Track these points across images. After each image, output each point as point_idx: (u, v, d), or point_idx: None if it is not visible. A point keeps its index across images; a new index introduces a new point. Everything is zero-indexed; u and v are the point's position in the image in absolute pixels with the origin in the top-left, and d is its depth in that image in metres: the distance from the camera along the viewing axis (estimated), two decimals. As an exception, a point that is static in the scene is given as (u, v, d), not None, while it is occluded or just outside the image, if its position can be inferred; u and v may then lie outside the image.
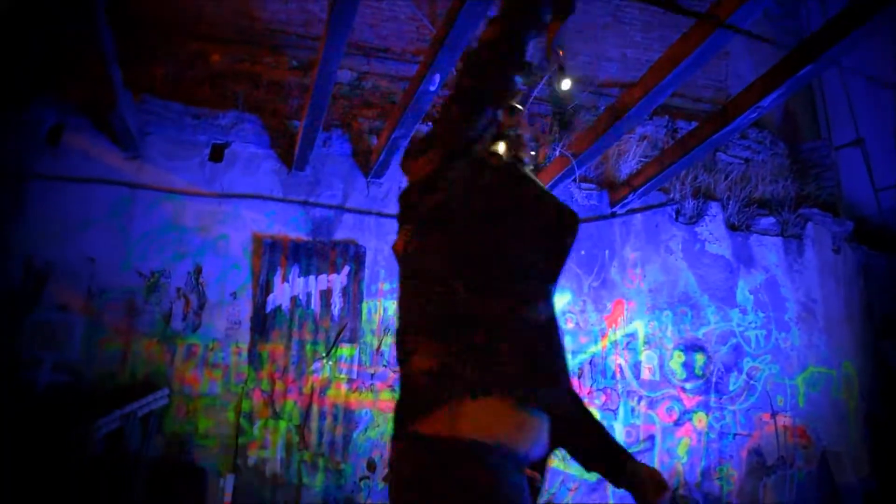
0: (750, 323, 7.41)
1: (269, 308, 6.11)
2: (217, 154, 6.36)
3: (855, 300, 8.21)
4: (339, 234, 6.44)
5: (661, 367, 7.06)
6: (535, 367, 1.75)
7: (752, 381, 7.27)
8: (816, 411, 7.49)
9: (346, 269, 6.36)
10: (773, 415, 7.03)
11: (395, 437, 1.75)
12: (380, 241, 6.52)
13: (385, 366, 6.30)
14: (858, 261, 8.46)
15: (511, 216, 1.91)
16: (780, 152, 8.42)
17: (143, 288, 5.90)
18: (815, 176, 8.42)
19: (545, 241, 1.94)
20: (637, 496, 1.95)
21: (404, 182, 6.34)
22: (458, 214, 1.89)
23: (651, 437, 6.89)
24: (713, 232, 7.54)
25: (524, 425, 1.72)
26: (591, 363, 6.88)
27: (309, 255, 6.29)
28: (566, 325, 6.88)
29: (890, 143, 8.44)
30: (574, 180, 6.79)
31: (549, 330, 1.84)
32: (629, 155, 7.31)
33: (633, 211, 7.34)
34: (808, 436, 7.35)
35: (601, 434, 2.03)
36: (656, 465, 6.80)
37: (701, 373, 7.12)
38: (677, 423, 6.97)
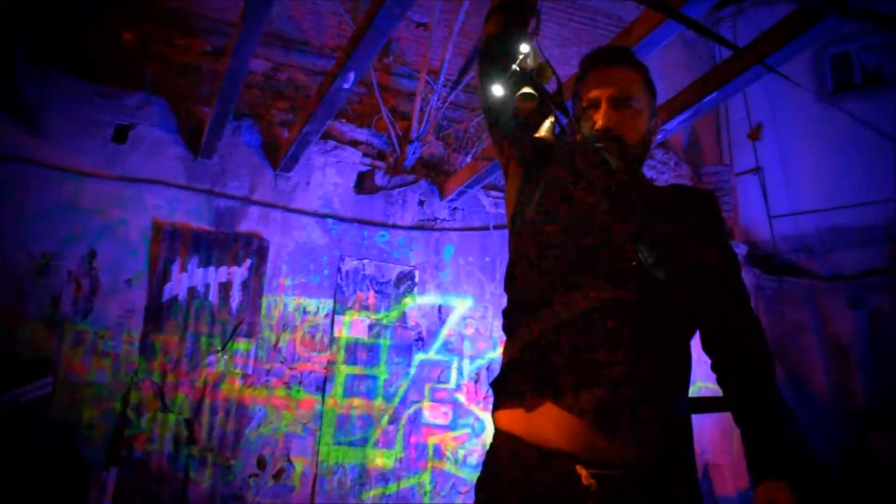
0: (644, 337, 7.62)
1: (165, 297, 5.95)
2: (121, 135, 6.14)
3: (744, 320, 8.54)
4: (243, 226, 6.33)
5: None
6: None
7: (642, 394, 7.46)
8: (702, 426, 7.77)
9: (248, 262, 6.25)
10: (661, 427, 7.24)
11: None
12: (284, 236, 6.43)
13: (282, 362, 6.21)
14: (751, 283, 8.82)
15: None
16: (683, 174, 8.72)
17: (32, 269, 5.65)
18: (714, 199, 8.74)
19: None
20: None
21: (313, 177, 6.24)
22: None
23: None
24: (615, 247, 7.72)
25: (567, 426, 1.72)
26: (488, 369, 6.96)
27: (210, 246, 6.15)
28: (466, 330, 6.95)
29: (785, 174, 8.84)
30: (482, 188, 6.85)
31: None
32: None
33: (540, 221, 7.44)
34: (693, 449, 7.60)
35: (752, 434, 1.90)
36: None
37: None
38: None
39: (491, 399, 1.92)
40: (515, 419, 1.79)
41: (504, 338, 1.94)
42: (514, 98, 1.99)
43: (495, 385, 1.90)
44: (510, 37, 2.10)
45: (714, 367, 2.00)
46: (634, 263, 1.78)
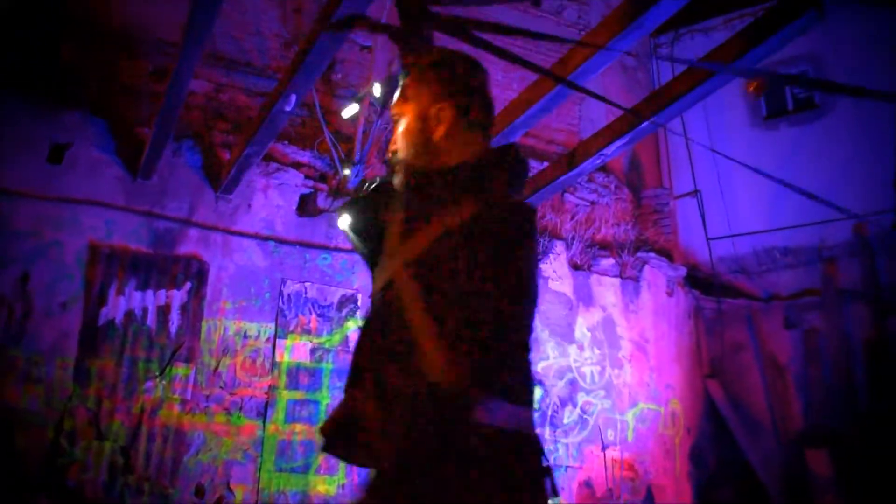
0: (586, 359, 7.71)
1: (101, 321, 5.81)
2: (57, 155, 5.99)
3: (685, 341, 8.71)
4: (183, 249, 6.22)
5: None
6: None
7: (585, 416, 7.55)
8: (644, 446, 7.86)
9: (188, 285, 6.14)
10: (604, 448, 7.32)
11: None
12: (225, 259, 6.34)
13: (222, 388, 6.10)
14: (690, 304, 8.98)
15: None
16: (623, 197, 8.87)
17: (-39, 293, 5.47)
18: (654, 222, 8.93)
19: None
20: None
21: (255, 199, 6.11)
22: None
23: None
24: (556, 270, 7.81)
25: None
26: (431, 392, 6.92)
27: (148, 269, 6.03)
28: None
29: (722, 197, 9.05)
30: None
31: None
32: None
33: (484, 244, 7.46)
34: (636, 469, 7.69)
35: None
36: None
37: (537, 406, 7.32)
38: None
39: None
40: None
41: None
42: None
43: None
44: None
45: None
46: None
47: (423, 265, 1.83)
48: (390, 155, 1.97)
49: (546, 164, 7.43)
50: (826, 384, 8.00)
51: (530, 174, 7.51)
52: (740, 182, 8.82)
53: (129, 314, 5.91)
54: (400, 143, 1.96)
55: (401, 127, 1.96)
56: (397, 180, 1.94)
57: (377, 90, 1.83)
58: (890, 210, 7.67)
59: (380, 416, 1.79)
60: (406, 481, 1.73)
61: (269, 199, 6.65)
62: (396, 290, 1.85)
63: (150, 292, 6.01)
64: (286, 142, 6.85)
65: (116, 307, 5.88)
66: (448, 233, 1.83)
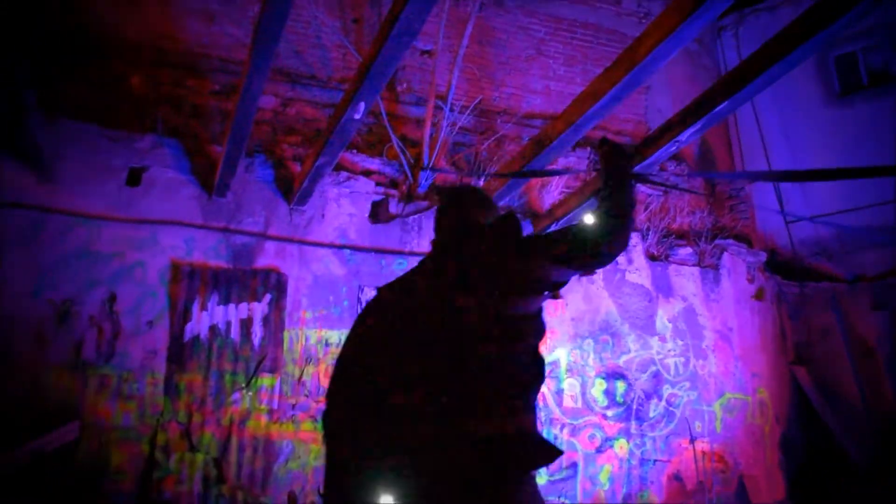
0: (669, 351, 7.57)
1: (186, 337, 5.95)
2: (134, 178, 6.18)
3: (769, 328, 8.48)
4: (261, 262, 6.33)
5: (583, 394, 7.14)
6: None
7: (671, 408, 7.41)
8: (733, 436, 7.68)
9: (268, 297, 6.25)
10: (692, 440, 7.17)
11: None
12: (302, 269, 6.43)
13: (307, 396, 6.18)
14: (772, 289, 8.75)
15: None
16: (696, 185, 8.69)
17: (53, 316, 5.66)
18: (730, 208, 8.72)
19: None
20: None
21: (327, 209, 6.29)
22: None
23: (573, 465, 6.93)
24: (633, 262, 7.70)
25: None
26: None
27: (229, 283, 6.16)
28: (490, 353, 6.89)
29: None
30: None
31: None
32: (552, 186, 7.42)
33: (557, 240, 7.41)
34: (726, 460, 7.52)
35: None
36: (579, 492, 6.85)
37: (622, 400, 7.23)
38: (599, 451, 7.05)
39: None
40: None
41: None
42: None
43: None
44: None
45: None
46: None
47: None
48: None
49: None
50: (921, 365, 7.71)
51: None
52: (817, 162, 8.55)
53: (213, 329, 6.04)
54: None
55: None
56: None
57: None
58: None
59: None
60: None
61: (342, 208, 6.72)
62: None
63: (231, 306, 6.13)
64: (354, 150, 6.92)
65: (200, 322, 6.02)
66: None
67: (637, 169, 5.90)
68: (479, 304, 2.30)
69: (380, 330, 2.43)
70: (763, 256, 8.60)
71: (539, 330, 2.45)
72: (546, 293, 2.48)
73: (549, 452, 2.27)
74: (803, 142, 8.88)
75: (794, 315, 8.79)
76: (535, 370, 2.37)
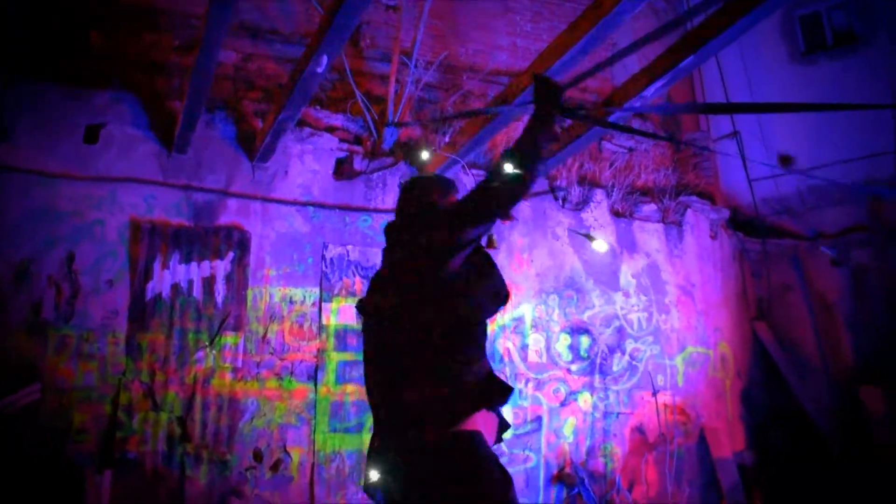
0: (633, 306, 7.65)
1: (148, 296, 5.87)
2: (92, 135, 6.04)
3: (731, 284, 8.60)
4: (223, 220, 6.25)
5: (548, 349, 7.20)
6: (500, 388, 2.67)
7: (634, 362, 7.51)
8: (695, 390, 7.81)
9: (231, 255, 6.18)
10: (655, 394, 7.28)
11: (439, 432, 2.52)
12: (265, 227, 6.36)
13: (271, 353, 6.16)
14: (734, 247, 8.85)
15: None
16: (661, 143, 8.71)
17: (10, 276, 5.55)
18: (694, 165, 8.77)
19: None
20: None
21: (291, 166, 6.23)
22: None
23: (538, 419, 7.01)
24: (598, 218, 7.73)
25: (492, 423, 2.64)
26: (479, 347, 6.93)
27: (191, 241, 6.07)
28: (455, 309, 6.91)
29: (763, 137, 8.85)
30: (462, 167, 6.80)
31: None
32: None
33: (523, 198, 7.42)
34: (687, 413, 7.65)
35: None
36: (543, 445, 6.95)
37: (586, 355, 7.30)
38: (563, 404, 7.13)
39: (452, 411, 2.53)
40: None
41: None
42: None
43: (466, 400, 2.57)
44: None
45: None
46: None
47: None
48: None
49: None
50: (877, 321, 7.86)
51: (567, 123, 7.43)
52: (781, 120, 8.60)
53: (175, 287, 5.97)
54: None
55: None
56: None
57: None
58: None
59: None
60: None
61: (306, 165, 6.65)
62: None
63: (193, 264, 6.06)
64: (318, 107, 6.82)
65: (162, 281, 5.94)
66: None
67: (604, 124, 5.90)
68: (420, 272, 2.63)
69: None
70: (726, 213, 8.68)
71: (474, 284, 2.70)
72: (465, 251, 2.65)
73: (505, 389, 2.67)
74: (768, 98, 8.91)
75: (756, 271, 8.91)
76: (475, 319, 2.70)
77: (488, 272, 2.75)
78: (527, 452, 6.91)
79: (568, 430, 7.09)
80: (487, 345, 2.73)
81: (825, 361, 8.18)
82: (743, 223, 8.99)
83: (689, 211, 8.26)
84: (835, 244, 8.38)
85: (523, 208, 7.43)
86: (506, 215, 2.70)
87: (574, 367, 7.24)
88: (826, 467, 7.68)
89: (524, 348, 7.11)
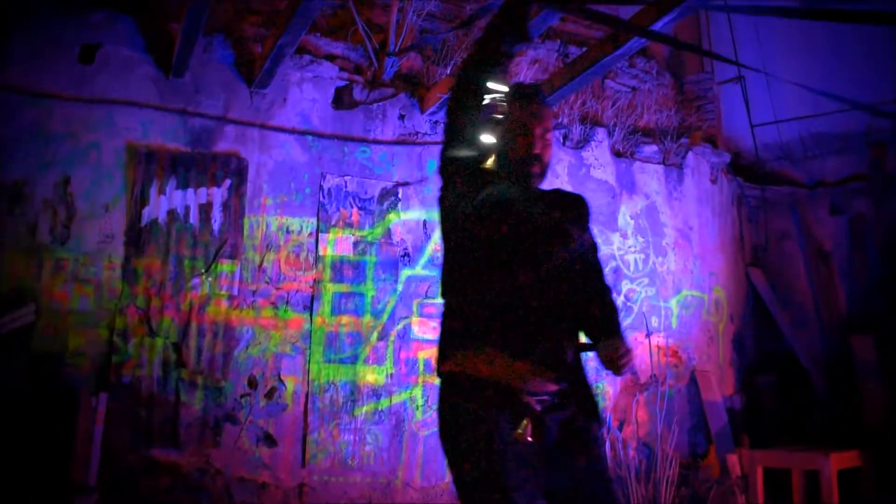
0: (630, 247, 7.64)
1: (144, 221, 5.83)
2: (87, 55, 5.90)
3: (728, 229, 8.59)
4: (221, 146, 6.16)
5: (545, 286, 7.20)
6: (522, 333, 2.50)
7: (629, 303, 7.54)
8: (688, 332, 7.86)
9: (227, 182, 6.12)
10: (648, 335, 7.32)
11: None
12: (263, 155, 6.29)
13: (268, 282, 6.14)
14: (733, 192, 8.82)
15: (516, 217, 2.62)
16: (665, 83, 8.60)
17: (4, 197, 5.48)
18: (697, 108, 8.68)
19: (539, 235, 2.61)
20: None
21: (290, 94, 6.14)
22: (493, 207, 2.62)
23: (532, 355, 7.04)
24: (598, 157, 7.67)
25: (512, 368, 2.46)
26: (476, 282, 6.93)
27: (187, 167, 6.01)
28: (452, 244, 6.90)
29: (767, 82, 8.73)
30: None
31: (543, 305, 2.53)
32: (520, 77, 7.28)
33: (523, 133, 7.34)
34: (680, 355, 7.71)
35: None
36: (536, 382, 6.99)
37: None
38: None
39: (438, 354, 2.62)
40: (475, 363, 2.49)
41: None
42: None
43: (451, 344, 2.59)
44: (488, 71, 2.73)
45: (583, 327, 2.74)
46: (535, 258, 2.56)
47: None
48: (531, 153, 2.69)
49: (585, 49, 7.20)
50: (872, 270, 7.87)
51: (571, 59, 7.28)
52: (787, 65, 8.47)
53: (171, 213, 5.92)
54: (544, 151, 2.73)
55: (546, 139, 2.74)
56: (529, 174, 2.72)
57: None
58: (941, 89, 7.34)
59: None
60: None
61: (305, 93, 6.54)
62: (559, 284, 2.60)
63: (190, 191, 6.00)
64: (318, 34, 6.68)
65: (159, 206, 5.89)
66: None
67: (606, 61, 5.81)
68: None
69: None
70: (727, 158, 8.62)
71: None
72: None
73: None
74: (773, 48, 8.76)
75: (753, 218, 8.90)
76: None
77: None
78: (519, 388, 6.96)
79: (561, 368, 7.13)
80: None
81: (818, 309, 8.22)
82: (743, 168, 8.94)
83: (689, 154, 8.21)
84: (834, 192, 8.35)
85: (524, 145, 7.35)
86: None
87: (570, 308, 7.24)
88: (812, 412, 7.79)
89: (520, 285, 7.10)
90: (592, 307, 2.69)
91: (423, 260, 6.74)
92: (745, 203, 8.90)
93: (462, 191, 2.67)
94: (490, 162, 2.77)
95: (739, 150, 8.97)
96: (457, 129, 2.71)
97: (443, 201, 2.77)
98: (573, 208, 2.80)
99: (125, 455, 5.51)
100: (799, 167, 8.77)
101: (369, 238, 6.56)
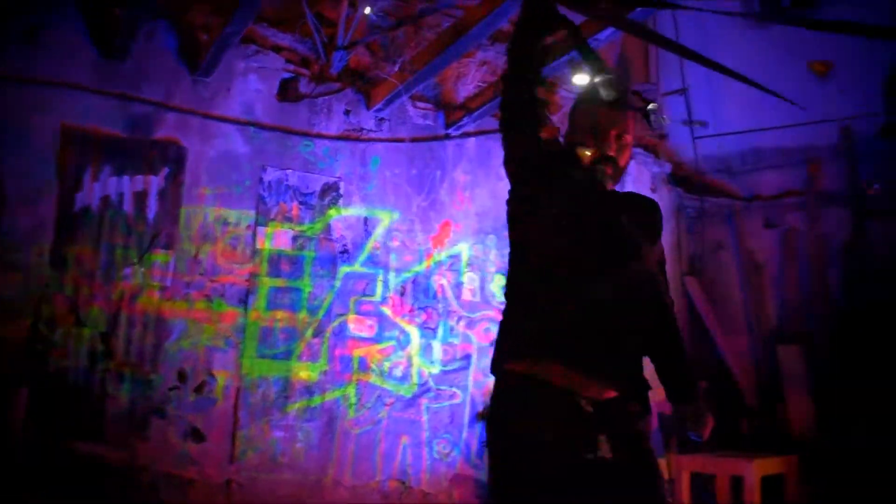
0: (569, 253, 7.70)
1: (76, 208, 5.67)
2: (26, 35, 5.71)
3: (666, 238, 8.66)
4: (160, 133, 6.03)
5: (482, 289, 7.24)
6: (578, 342, 2.47)
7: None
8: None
9: (165, 170, 5.99)
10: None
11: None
12: (204, 144, 6.17)
13: (202, 274, 6.03)
14: (673, 202, 8.97)
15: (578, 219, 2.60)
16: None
17: (-70, 180, 5.29)
18: (641, 117, 8.80)
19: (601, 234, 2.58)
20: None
21: (234, 84, 6.02)
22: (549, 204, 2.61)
23: (467, 356, 7.08)
24: (543, 162, 7.70)
25: (567, 374, 2.43)
26: (414, 282, 6.94)
27: (124, 154, 5.86)
28: (392, 243, 6.89)
29: (710, 95, 8.90)
30: (410, 98, 6.70)
31: (601, 314, 2.50)
32: (468, 79, 7.30)
33: (468, 135, 7.38)
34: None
35: (668, 378, 2.79)
36: (470, 383, 7.03)
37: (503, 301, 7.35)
38: (493, 344, 7.19)
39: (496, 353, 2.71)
40: (531, 366, 2.49)
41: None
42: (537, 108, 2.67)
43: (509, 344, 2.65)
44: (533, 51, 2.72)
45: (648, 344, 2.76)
46: (610, 269, 2.51)
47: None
48: (601, 153, 2.62)
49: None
50: (802, 284, 8.07)
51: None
52: (729, 80, 8.61)
53: (105, 200, 5.77)
54: (619, 154, 2.67)
55: (623, 142, 2.69)
56: (601, 176, 2.63)
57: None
58: (879, 113, 7.56)
59: None
60: None
61: (249, 84, 6.44)
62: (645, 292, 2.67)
63: (126, 178, 5.86)
64: (265, 24, 6.58)
65: (92, 193, 5.73)
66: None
67: (554, 65, 5.85)
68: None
69: None
70: (668, 168, 8.77)
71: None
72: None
73: None
74: (719, 57, 8.91)
75: (691, 228, 9.06)
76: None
77: None
78: (453, 389, 6.99)
79: (496, 370, 7.17)
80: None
81: (750, 319, 8.40)
82: (683, 179, 9.10)
83: (631, 162, 8.31)
84: (769, 206, 8.54)
85: (468, 145, 7.38)
86: None
87: (507, 309, 7.29)
88: (738, 420, 7.96)
89: (458, 286, 7.13)
90: (658, 326, 2.74)
91: (362, 257, 6.71)
92: (684, 213, 9.06)
93: (532, 191, 2.63)
94: (551, 156, 2.70)
95: (680, 161, 9.13)
96: (516, 126, 2.67)
97: (511, 202, 2.73)
98: (649, 215, 2.77)
99: (48, 448, 5.36)
100: (737, 180, 8.94)
101: (308, 233, 6.50)
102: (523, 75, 2.67)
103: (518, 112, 2.66)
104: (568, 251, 2.52)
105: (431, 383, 6.86)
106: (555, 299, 2.49)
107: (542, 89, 2.67)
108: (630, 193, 2.91)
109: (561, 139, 2.92)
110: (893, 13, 7.03)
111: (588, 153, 2.61)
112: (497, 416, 2.58)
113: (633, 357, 2.60)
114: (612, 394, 2.46)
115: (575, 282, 2.49)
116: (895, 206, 7.37)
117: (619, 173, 2.70)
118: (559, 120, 7.52)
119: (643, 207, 2.79)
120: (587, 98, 2.75)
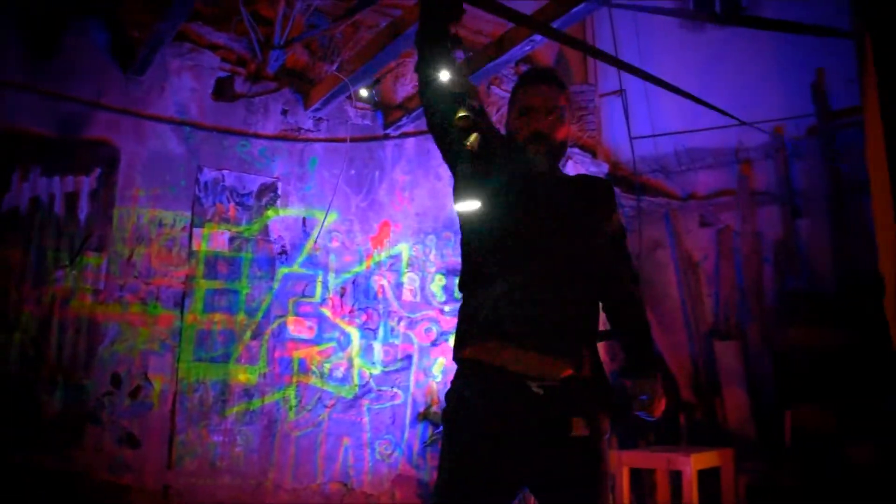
0: (508, 252, 7.75)
1: (4, 209, 5.50)
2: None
3: (605, 237, 8.81)
4: (91, 133, 5.88)
5: (423, 289, 7.24)
6: (524, 322, 2.48)
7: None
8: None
9: (97, 171, 5.85)
10: (525, 338, 7.42)
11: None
12: (137, 144, 6.04)
13: (136, 277, 5.91)
14: (611, 201, 9.06)
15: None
16: (549, 92, 8.77)
17: None
18: (579, 118, 8.91)
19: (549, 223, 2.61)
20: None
21: (168, 82, 5.92)
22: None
23: (408, 357, 7.07)
24: (481, 163, 7.73)
25: (519, 357, 2.45)
26: (354, 283, 6.90)
27: (54, 154, 5.71)
28: (331, 243, 6.85)
29: (647, 96, 9.05)
30: (348, 97, 6.67)
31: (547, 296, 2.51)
32: (407, 79, 7.30)
33: (407, 135, 7.37)
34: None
35: (629, 351, 2.79)
36: (412, 383, 7.02)
37: (459, 296, 7.37)
38: (434, 344, 7.21)
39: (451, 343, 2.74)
40: (479, 352, 2.54)
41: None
42: (453, 119, 2.54)
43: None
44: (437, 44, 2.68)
45: (605, 311, 2.79)
46: (547, 246, 2.52)
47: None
48: (533, 130, 2.63)
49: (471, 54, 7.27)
50: (737, 281, 8.26)
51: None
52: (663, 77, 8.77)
53: (34, 201, 5.61)
54: (551, 129, 2.65)
55: (554, 115, 2.66)
56: (533, 153, 2.66)
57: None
58: (808, 115, 7.78)
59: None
60: None
61: (184, 82, 6.34)
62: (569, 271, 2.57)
63: (56, 179, 5.71)
64: (200, 22, 6.48)
65: (21, 194, 5.57)
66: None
67: (490, 67, 5.88)
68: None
69: None
70: (605, 168, 8.89)
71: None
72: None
73: None
74: (657, 66, 9.08)
75: (629, 226, 9.18)
76: None
77: None
78: (395, 389, 6.98)
79: (437, 370, 7.19)
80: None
81: (687, 316, 8.56)
82: (621, 179, 9.23)
83: (569, 162, 8.41)
84: (704, 205, 8.72)
85: (407, 145, 7.38)
86: None
87: (447, 308, 7.32)
88: (676, 415, 8.11)
89: (399, 287, 7.12)
90: (618, 296, 2.73)
91: (300, 258, 6.66)
92: (622, 213, 9.19)
93: (471, 171, 2.63)
94: (472, 140, 2.60)
95: (618, 161, 9.26)
96: (437, 112, 2.69)
97: (454, 190, 2.78)
98: (596, 191, 2.78)
99: (-24, 457, 5.20)
100: (673, 180, 9.10)
101: (246, 234, 6.42)
102: (432, 56, 2.66)
103: (432, 83, 2.66)
104: (509, 233, 2.56)
105: (372, 384, 6.84)
106: (498, 281, 2.51)
107: (457, 80, 2.62)
108: (579, 175, 2.92)
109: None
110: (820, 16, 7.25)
111: (522, 133, 2.65)
112: (451, 404, 2.65)
113: (588, 333, 2.59)
114: (569, 371, 2.45)
115: (517, 262, 2.51)
116: (823, 204, 7.58)
117: (557, 149, 2.70)
118: (497, 121, 7.55)
119: (590, 185, 2.80)
120: (518, 83, 2.79)
